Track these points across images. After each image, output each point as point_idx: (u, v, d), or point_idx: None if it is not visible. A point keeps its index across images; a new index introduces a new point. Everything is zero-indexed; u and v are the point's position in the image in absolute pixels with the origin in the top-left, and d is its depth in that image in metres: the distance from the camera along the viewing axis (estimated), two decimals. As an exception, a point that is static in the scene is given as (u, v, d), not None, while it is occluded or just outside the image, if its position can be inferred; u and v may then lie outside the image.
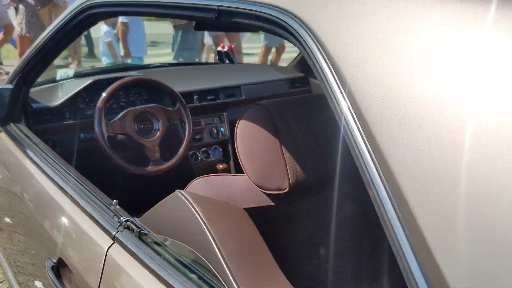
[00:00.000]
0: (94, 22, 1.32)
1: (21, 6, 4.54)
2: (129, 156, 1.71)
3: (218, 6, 0.80)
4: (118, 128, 1.67)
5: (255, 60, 6.02)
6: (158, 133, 1.74)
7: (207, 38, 5.37)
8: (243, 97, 2.17)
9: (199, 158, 2.09)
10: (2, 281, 2.05)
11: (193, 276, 0.70)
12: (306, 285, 0.85)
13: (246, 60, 5.71)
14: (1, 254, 1.63)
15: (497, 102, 0.47)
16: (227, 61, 2.16)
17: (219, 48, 3.33)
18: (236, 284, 0.64)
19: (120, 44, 4.85)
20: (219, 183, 0.96)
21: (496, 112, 0.46)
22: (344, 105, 0.57)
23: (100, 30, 5.16)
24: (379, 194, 0.51)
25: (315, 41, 0.62)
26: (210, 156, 2.12)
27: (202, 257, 0.69)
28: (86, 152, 1.72)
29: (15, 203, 1.42)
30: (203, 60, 5.53)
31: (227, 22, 0.84)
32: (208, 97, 2.11)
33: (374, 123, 0.53)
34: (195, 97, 2.08)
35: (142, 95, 1.88)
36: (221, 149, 2.16)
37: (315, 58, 0.61)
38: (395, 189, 0.50)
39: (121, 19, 4.79)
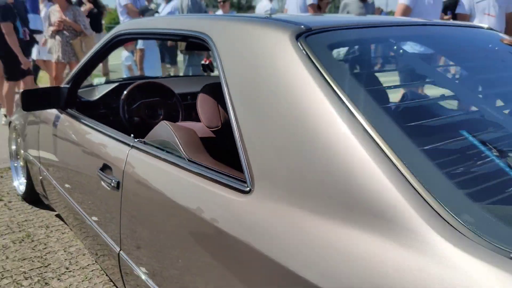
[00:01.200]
0: (119, 45, 2.21)
1: (57, 37, 5.53)
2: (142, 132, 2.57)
3: (182, 33, 1.66)
4: (135, 113, 2.54)
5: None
6: (161, 117, 2.61)
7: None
8: None
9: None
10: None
11: (167, 153, 1.53)
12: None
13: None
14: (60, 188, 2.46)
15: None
16: (210, 72, 3.03)
17: (202, 62, 4.23)
18: (184, 151, 1.48)
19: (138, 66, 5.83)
20: (187, 124, 1.82)
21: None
22: (232, 115, 1.30)
23: (122, 56, 6.16)
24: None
25: (218, 53, 1.43)
26: (200, 138, 2.97)
27: (172, 143, 1.53)
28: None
29: (71, 175, 2.25)
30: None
31: (191, 43, 1.70)
32: None
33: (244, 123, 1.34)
34: (189, 97, 2.96)
35: (152, 93, 2.75)
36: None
37: (217, 66, 1.44)
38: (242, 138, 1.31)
39: (138, 45, 5.77)
